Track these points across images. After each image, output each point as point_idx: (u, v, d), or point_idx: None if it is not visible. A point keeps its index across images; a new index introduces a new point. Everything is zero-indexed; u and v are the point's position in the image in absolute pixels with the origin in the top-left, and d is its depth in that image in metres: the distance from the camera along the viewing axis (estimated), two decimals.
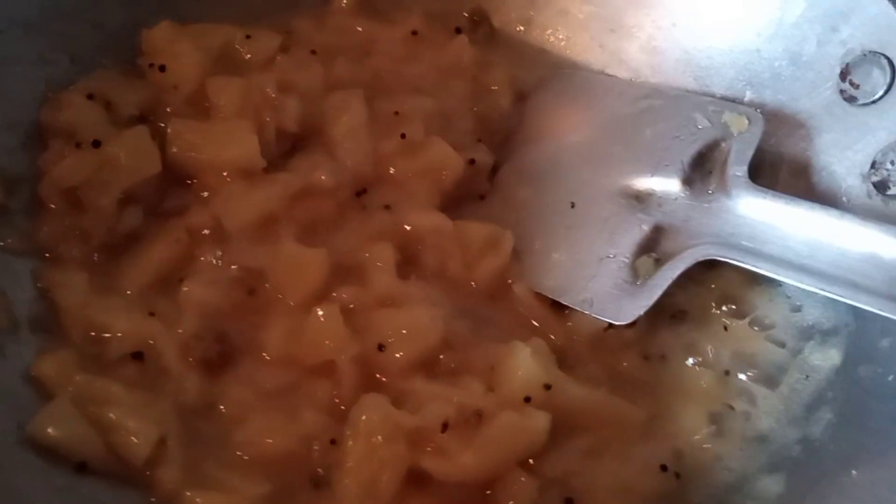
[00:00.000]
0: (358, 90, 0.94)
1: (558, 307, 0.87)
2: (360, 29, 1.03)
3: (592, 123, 0.99)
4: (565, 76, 1.04)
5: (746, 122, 0.90)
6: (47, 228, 0.80)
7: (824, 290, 0.77)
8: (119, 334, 0.76)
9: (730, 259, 0.82)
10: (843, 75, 0.88)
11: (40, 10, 0.87)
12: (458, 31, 1.06)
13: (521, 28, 1.09)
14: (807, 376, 0.82)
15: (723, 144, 0.90)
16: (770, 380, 0.84)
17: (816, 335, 0.84)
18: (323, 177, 0.86)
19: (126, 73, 0.91)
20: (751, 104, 0.95)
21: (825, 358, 0.81)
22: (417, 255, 0.88)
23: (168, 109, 0.88)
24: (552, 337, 0.85)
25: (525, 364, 0.76)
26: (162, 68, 0.89)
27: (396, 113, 0.94)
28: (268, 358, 0.78)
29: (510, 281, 0.88)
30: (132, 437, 0.70)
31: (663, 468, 0.78)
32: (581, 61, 1.06)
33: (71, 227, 0.80)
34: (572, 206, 0.92)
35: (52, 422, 0.69)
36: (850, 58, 0.88)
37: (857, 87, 0.87)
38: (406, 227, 0.89)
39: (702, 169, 0.90)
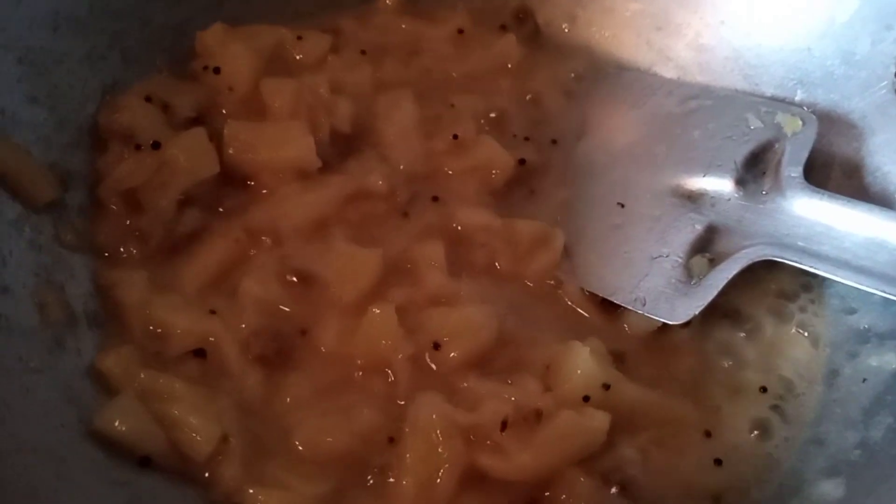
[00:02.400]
0: (407, 90, 0.95)
1: (610, 306, 0.87)
2: (405, 27, 1.04)
3: (641, 123, 0.99)
4: (613, 75, 1.04)
5: (800, 123, 0.89)
6: (107, 229, 0.81)
7: (883, 292, 0.77)
8: (180, 332, 0.77)
9: (786, 260, 0.82)
10: None
11: (90, 8, 0.88)
12: (504, 28, 1.06)
13: (567, 26, 1.09)
14: (864, 379, 0.81)
15: (776, 145, 0.89)
16: (826, 382, 0.83)
17: (873, 338, 0.83)
18: (379, 181, 0.87)
19: (181, 76, 0.92)
20: (801, 103, 0.94)
21: (883, 361, 0.81)
22: (467, 254, 0.88)
23: (223, 111, 0.89)
24: (605, 336, 0.84)
25: (585, 364, 0.77)
26: (217, 70, 0.90)
27: (452, 106, 0.95)
28: (324, 356, 0.79)
29: (560, 279, 0.88)
30: (195, 434, 0.71)
31: (717, 462, 0.78)
32: (627, 59, 1.06)
33: (130, 227, 0.81)
34: (621, 207, 0.92)
35: (119, 416, 0.70)
36: None
37: None
38: (456, 225, 0.89)
39: (755, 169, 0.89)
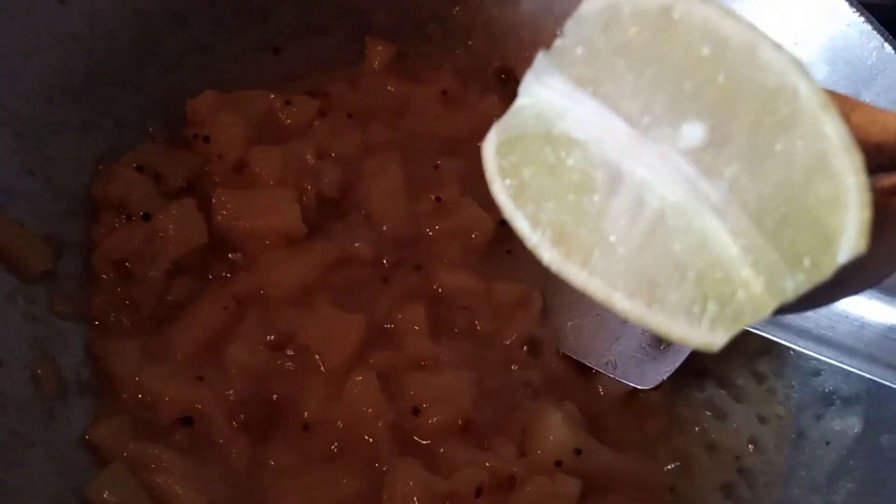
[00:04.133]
0: (394, 153, 0.98)
1: (586, 368, 0.90)
2: (391, 90, 1.07)
3: None
4: None
5: None
6: (99, 299, 0.84)
7: (843, 363, 0.79)
8: (168, 399, 0.79)
9: (749, 328, 0.84)
10: None
11: (85, 77, 0.91)
12: (487, 88, 1.10)
13: None
14: (828, 443, 0.84)
15: None
16: (793, 444, 0.86)
17: (837, 401, 0.86)
18: (359, 245, 0.90)
19: (173, 142, 0.95)
20: None
21: (846, 425, 0.84)
22: (448, 316, 0.91)
23: (214, 178, 0.92)
24: (581, 397, 0.87)
25: (557, 429, 0.80)
26: (206, 139, 0.93)
27: (437, 167, 0.99)
28: (307, 423, 0.82)
29: (539, 340, 0.91)
30: None
31: None
32: None
33: (122, 297, 0.84)
34: None
35: (108, 487, 0.72)
36: None
37: None
38: (437, 287, 0.92)
39: None
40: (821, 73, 0.94)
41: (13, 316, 0.78)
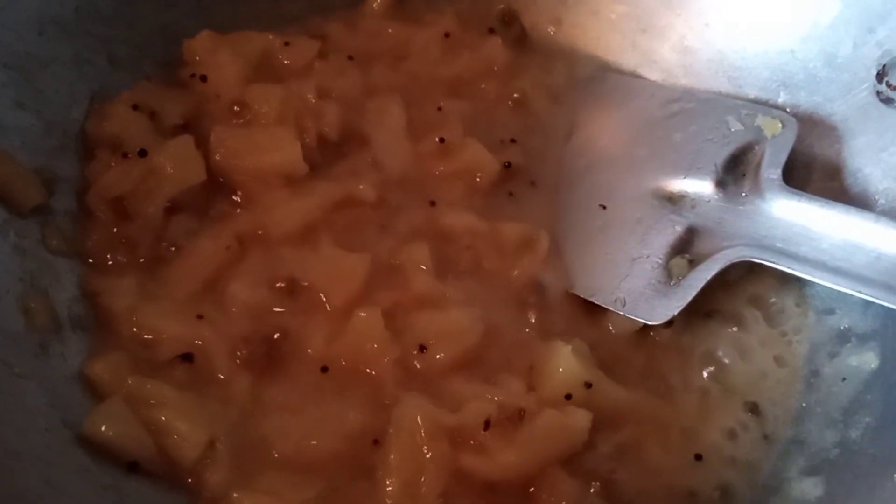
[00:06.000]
0: (395, 95, 0.96)
1: (595, 307, 0.88)
2: (392, 32, 1.05)
3: (624, 126, 1.00)
4: (597, 79, 1.05)
5: (780, 125, 0.90)
6: (95, 237, 0.82)
7: (860, 293, 0.78)
8: (167, 336, 0.77)
9: (764, 261, 0.83)
10: (880, 77, 0.88)
11: (76, 12, 0.88)
12: (491, 31, 1.07)
13: (552, 29, 1.09)
14: (844, 379, 0.82)
15: (756, 147, 0.90)
16: (806, 382, 0.84)
17: (853, 338, 0.84)
18: (363, 187, 0.88)
19: (169, 82, 0.93)
20: (784, 105, 0.95)
21: (862, 361, 0.82)
22: (453, 256, 0.89)
23: (211, 118, 0.89)
24: (590, 336, 0.85)
25: (566, 362, 0.78)
26: (203, 78, 0.90)
27: (440, 109, 0.97)
28: (311, 360, 0.80)
29: (546, 280, 0.89)
30: (182, 440, 0.71)
31: (698, 458, 0.79)
32: (613, 61, 1.07)
33: (118, 235, 0.82)
34: (603, 209, 0.93)
35: (106, 421, 0.70)
36: (887, 59, 0.88)
37: (893, 88, 0.87)
38: (442, 227, 0.90)
39: (735, 171, 0.90)
40: (834, 8, 0.92)
41: (3, 248, 0.76)
